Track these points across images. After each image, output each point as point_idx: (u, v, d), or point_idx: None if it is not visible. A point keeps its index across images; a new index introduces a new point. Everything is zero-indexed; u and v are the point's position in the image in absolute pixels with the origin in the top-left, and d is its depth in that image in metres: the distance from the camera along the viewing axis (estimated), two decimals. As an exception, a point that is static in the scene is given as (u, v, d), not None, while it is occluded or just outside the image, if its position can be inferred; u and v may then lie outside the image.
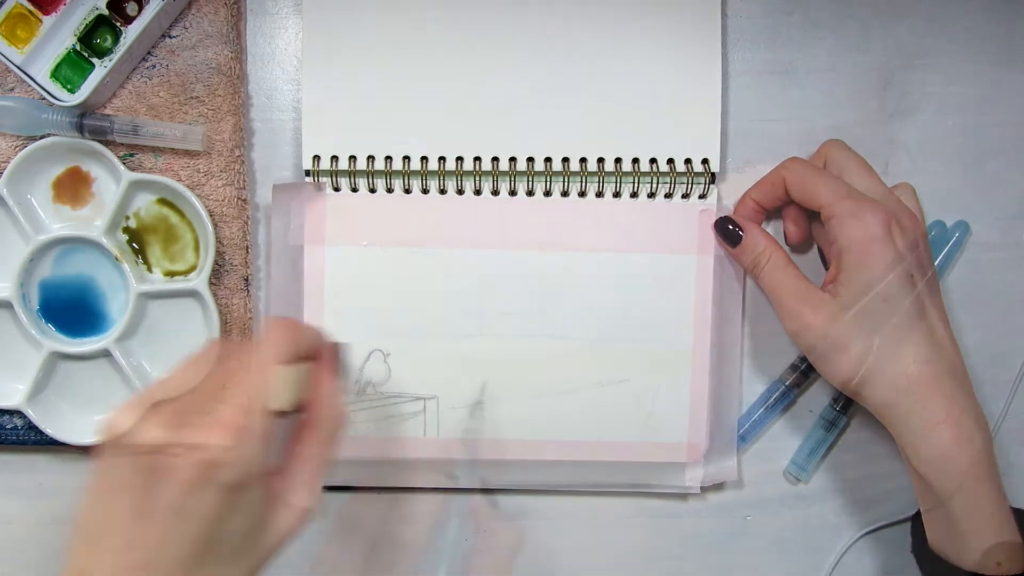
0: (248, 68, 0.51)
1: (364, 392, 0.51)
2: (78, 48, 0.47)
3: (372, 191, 0.50)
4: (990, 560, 0.43)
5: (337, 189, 0.50)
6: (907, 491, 0.52)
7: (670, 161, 0.50)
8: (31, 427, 0.49)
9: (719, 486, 0.53)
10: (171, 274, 0.50)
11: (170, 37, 0.49)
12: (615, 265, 0.51)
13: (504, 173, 0.50)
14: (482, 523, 0.47)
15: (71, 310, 0.50)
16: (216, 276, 0.50)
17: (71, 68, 0.47)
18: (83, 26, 0.47)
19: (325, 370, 0.41)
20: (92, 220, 0.49)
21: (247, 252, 0.50)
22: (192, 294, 0.49)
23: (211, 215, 0.49)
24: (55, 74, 0.47)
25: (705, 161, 0.50)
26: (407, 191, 0.50)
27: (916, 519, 0.48)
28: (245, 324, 0.50)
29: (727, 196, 0.51)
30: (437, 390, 0.51)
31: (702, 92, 0.50)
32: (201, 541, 0.35)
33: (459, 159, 0.50)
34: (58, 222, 0.49)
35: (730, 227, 0.50)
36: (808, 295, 0.47)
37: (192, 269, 0.50)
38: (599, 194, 0.51)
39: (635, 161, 0.50)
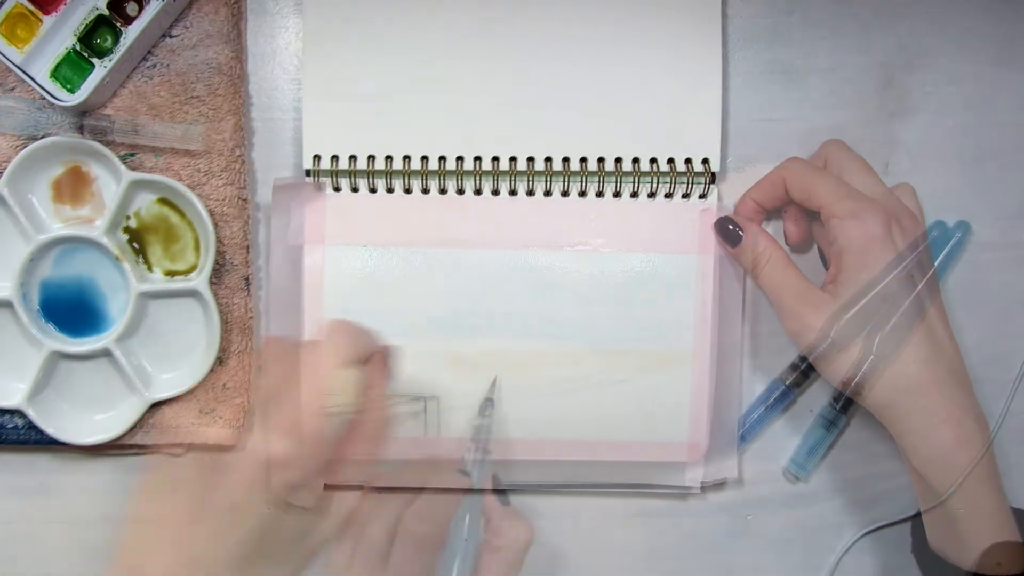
0: (249, 68, 0.51)
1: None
2: (78, 48, 0.47)
3: (372, 191, 0.50)
4: (990, 560, 0.43)
5: (337, 189, 0.50)
6: (907, 491, 0.52)
7: (670, 161, 0.50)
8: (31, 427, 0.49)
9: (719, 485, 0.53)
10: (171, 274, 0.50)
11: (170, 37, 0.49)
12: (615, 265, 0.51)
13: (504, 173, 0.50)
14: (494, 521, 0.47)
15: (72, 309, 0.50)
16: (217, 276, 0.50)
17: (71, 68, 0.47)
18: (83, 26, 0.47)
19: (377, 373, 0.41)
20: (92, 220, 0.49)
21: (247, 252, 0.50)
22: (193, 294, 0.49)
23: (211, 215, 0.49)
24: (55, 74, 0.47)
25: (705, 161, 0.50)
26: (407, 191, 0.50)
27: (916, 519, 0.48)
28: (245, 324, 0.50)
29: (727, 196, 0.51)
30: (438, 390, 0.51)
31: (702, 92, 0.50)
32: (255, 540, 0.35)
33: (459, 159, 0.50)
34: (58, 222, 0.49)
35: (730, 227, 0.50)
36: (808, 295, 0.47)
37: (192, 269, 0.50)
38: (599, 194, 0.51)
39: (635, 161, 0.50)
